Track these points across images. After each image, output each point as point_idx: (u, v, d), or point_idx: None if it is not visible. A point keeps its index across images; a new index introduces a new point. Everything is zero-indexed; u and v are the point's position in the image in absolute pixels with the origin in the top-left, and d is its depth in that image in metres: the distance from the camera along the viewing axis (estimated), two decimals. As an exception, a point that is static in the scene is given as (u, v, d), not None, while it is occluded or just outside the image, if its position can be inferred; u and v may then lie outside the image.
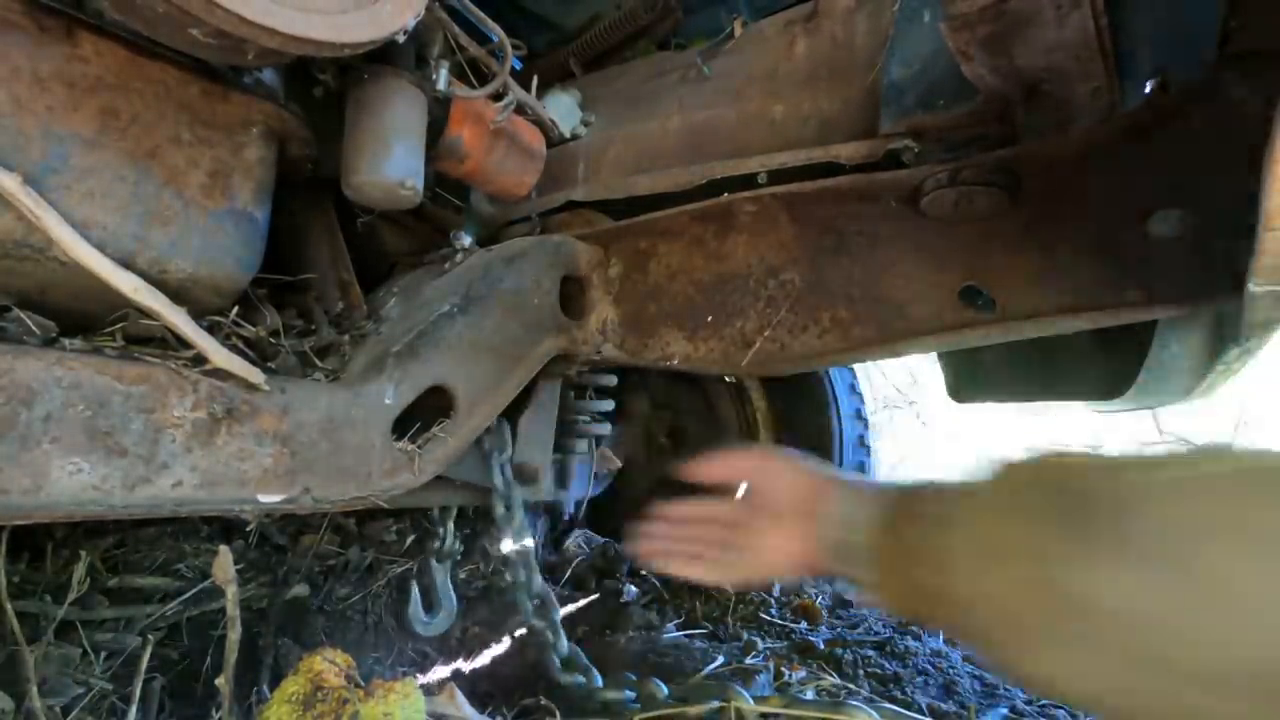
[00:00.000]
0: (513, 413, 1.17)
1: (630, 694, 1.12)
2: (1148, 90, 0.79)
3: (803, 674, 1.38)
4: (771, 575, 0.79)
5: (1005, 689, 1.47)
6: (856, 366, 2.14)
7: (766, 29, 1.19)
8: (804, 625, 1.70)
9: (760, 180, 1.05)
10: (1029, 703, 1.40)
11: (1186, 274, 0.81)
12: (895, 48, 0.93)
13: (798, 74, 1.10)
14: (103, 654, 1.04)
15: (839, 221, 1.02)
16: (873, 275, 1.00)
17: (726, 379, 2.10)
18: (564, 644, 1.12)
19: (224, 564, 0.89)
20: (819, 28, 1.11)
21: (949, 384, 1.50)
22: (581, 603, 1.76)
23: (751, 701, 1.10)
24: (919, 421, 4.35)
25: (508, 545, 1.11)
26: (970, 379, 1.42)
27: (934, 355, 1.87)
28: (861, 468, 2.07)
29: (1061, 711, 1.39)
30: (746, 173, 1.07)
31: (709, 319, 1.12)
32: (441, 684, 1.11)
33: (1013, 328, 0.94)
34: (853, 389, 2.05)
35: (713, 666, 1.38)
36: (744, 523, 0.78)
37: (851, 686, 1.33)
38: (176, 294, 0.74)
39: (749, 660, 1.42)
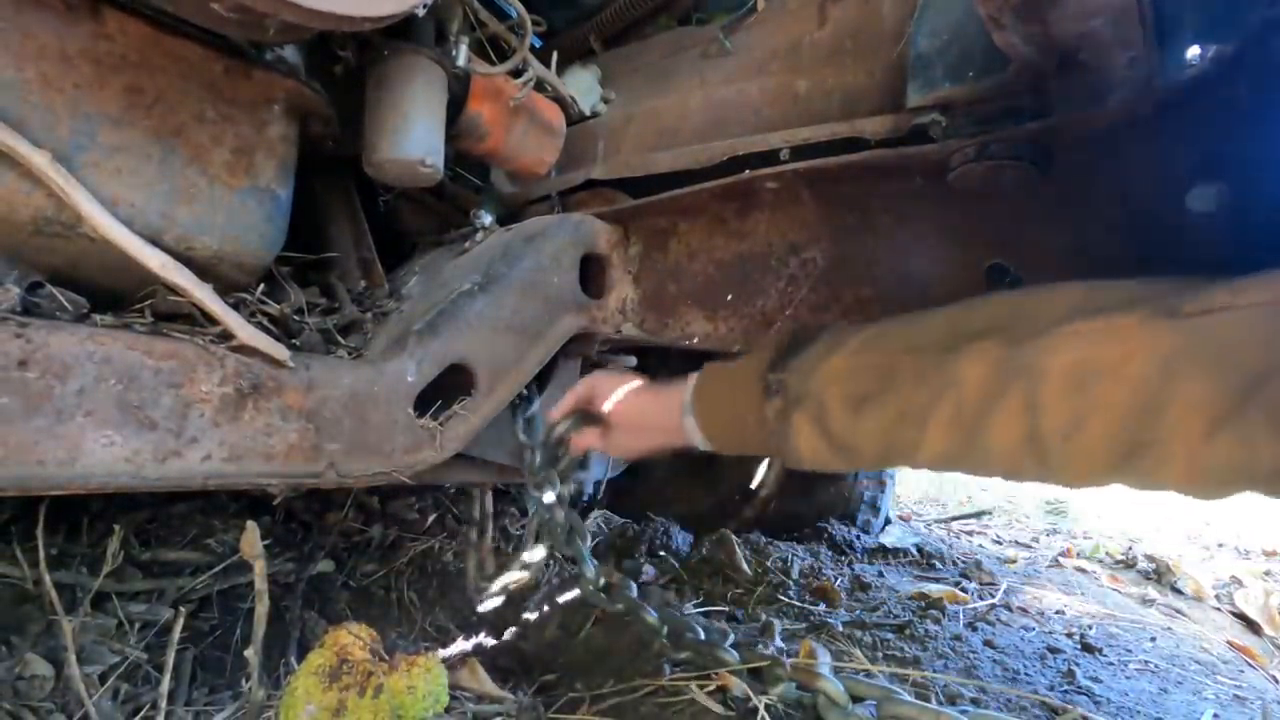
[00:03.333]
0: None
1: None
2: (1188, 58, 0.76)
3: (821, 655, 1.38)
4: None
5: (1027, 673, 1.46)
6: (878, 349, 2.11)
7: (790, 2, 1.16)
8: (822, 607, 1.70)
9: (783, 156, 1.03)
10: (1051, 688, 1.39)
11: (1223, 251, 0.79)
12: (923, 18, 0.90)
13: (822, 47, 1.08)
14: (136, 625, 1.07)
15: (863, 198, 1.00)
16: (897, 253, 0.99)
17: (746, 361, 2.08)
18: (591, 570, 1.14)
19: (252, 539, 0.91)
20: (844, -1, 1.08)
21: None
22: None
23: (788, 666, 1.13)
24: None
25: (549, 495, 1.13)
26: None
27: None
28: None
29: (1083, 697, 1.38)
30: (768, 149, 1.05)
31: (729, 298, 1.11)
32: (463, 659, 1.13)
33: (1041, 306, 0.92)
34: (874, 371, 2.02)
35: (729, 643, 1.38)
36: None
37: (871, 669, 1.33)
38: (202, 271, 0.75)
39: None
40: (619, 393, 1.02)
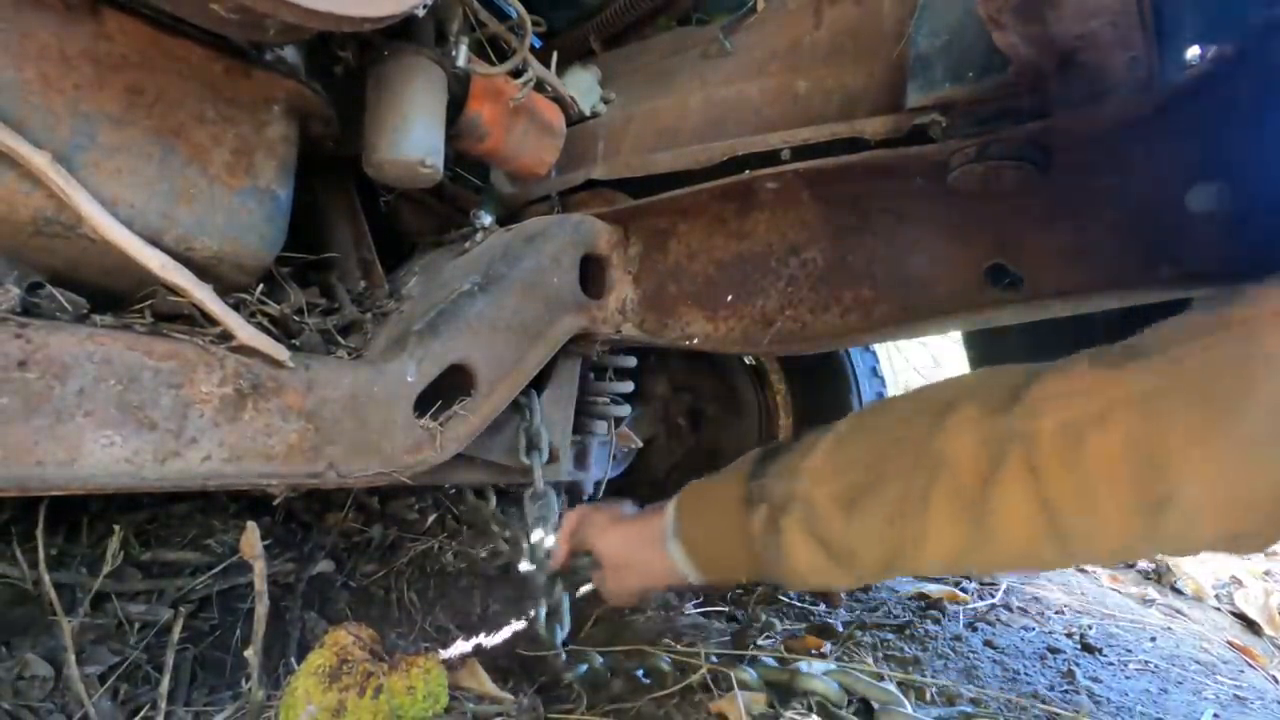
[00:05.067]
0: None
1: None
2: (1188, 59, 0.76)
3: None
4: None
5: (1027, 674, 1.46)
6: (878, 349, 2.11)
7: (789, 2, 1.16)
8: (823, 608, 1.70)
9: (783, 157, 1.04)
10: (1051, 689, 1.39)
11: (1223, 250, 0.79)
12: (923, 18, 0.90)
13: (821, 47, 1.08)
14: (136, 625, 1.07)
15: (863, 198, 1.00)
16: (897, 253, 0.99)
17: (746, 362, 2.08)
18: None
19: (252, 540, 0.91)
20: (844, -1, 1.08)
21: (972, 365, 1.48)
22: (600, 582, 1.77)
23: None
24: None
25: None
26: (994, 359, 1.39)
27: (957, 336, 1.85)
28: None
29: (1082, 696, 1.38)
30: (768, 149, 1.05)
31: (729, 298, 1.11)
32: (463, 659, 1.13)
33: (1041, 306, 0.92)
34: (874, 372, 2.03)
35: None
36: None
37: (871, 668, 1.33)
38: (202, 271, 0.75)
39: (763, 641, 1.43)
40: (606, 530, 1.02)
